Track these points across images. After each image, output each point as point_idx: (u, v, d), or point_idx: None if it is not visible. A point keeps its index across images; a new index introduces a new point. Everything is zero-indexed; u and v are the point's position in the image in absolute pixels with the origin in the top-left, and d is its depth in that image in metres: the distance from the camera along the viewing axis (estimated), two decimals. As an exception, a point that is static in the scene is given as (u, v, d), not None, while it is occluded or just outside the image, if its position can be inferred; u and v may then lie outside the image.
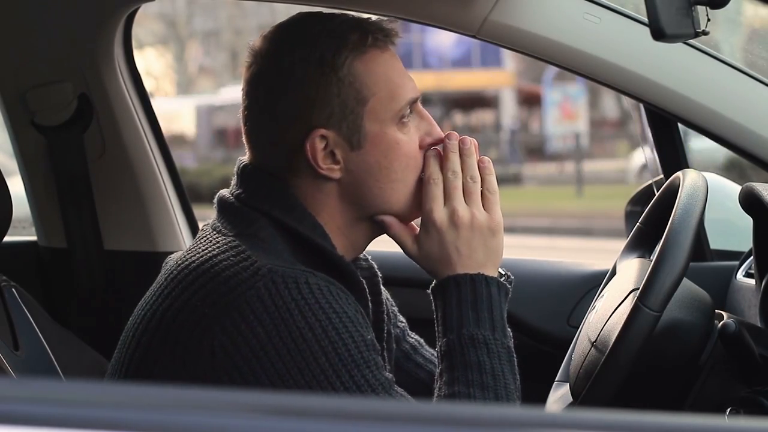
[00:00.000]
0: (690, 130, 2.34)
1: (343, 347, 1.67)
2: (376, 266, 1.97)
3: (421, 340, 2.11)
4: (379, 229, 1.85)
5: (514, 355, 1.79)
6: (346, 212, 1.82)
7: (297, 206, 1.78)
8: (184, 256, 1.79)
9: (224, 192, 1.84)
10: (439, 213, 1.80)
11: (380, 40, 1.80)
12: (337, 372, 1.66)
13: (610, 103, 28.05)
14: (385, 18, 1.84)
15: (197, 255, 1.76)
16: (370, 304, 1.82)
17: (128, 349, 1.79)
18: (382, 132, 1.78)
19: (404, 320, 2.10)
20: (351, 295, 1.73)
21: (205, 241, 1.79)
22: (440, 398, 1.76)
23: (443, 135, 1.83)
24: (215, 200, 1.84)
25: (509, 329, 1.81)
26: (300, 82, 1.77)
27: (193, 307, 1.71)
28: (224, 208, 1.82)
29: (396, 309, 2.07)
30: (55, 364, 2.15)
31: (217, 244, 1.76)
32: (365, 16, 1.83)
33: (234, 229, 1.78)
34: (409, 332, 2.10)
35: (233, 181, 1.84)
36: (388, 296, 2.03)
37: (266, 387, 1.66)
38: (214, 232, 1.80)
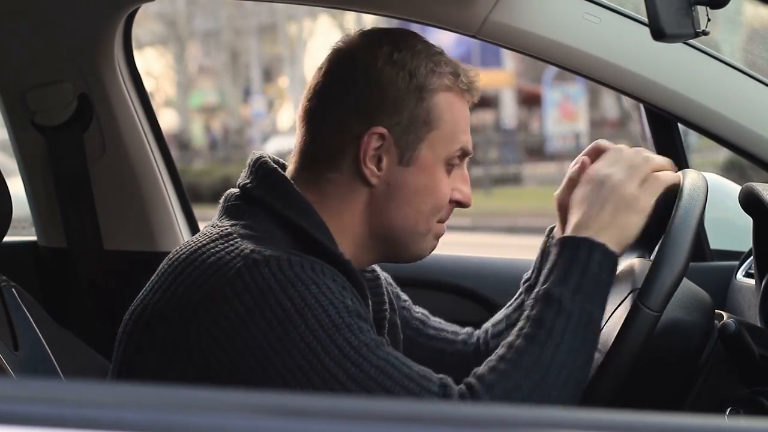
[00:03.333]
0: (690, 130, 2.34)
1: (323, 312, 1.67)
2: (377, 267, 2.01)
3: (426, 312, 2.13)
4: (385, 255, 1.87)
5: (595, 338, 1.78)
6: (365, 224, 1.83)
7: (301, 202, 1.80)
8: (175, 249, 1.82)
9: (232, 190, 1.86)
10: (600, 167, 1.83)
11: (466, 89, 1.87)
12: (318, 337, 1.66)
13: (610, 103, 28.04)
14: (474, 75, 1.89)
15: (187, 246, 1.80)
16: (369, 295, 1.83)
17: (120, 344, 1.82)
18: (433, 164, 1.83)
19: (407, 297, 2.11)
20: (341, 276, 1.74)
21: (199, 234, 1.82)
22: (504, 347, 1.74)
23: (470, 203, 1.88)
24: (221, 199, 1.86)
25: None
26: (384, 80, 1.80)
27: (180, 296, 1.73)
28: (226, 204, 1.85)
29: (398, 290, 2.09)
30: (55, 364, 2.14)
31: (209, 235, 1.78)
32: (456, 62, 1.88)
33: (230, 221, 1.80)
34: (414, 308, 2.11)
35: (244, 172, 1.86)
36: (388, 277, 2.05)
37: (251, 362, 1.66)
38: (210, 226, 1.83)
